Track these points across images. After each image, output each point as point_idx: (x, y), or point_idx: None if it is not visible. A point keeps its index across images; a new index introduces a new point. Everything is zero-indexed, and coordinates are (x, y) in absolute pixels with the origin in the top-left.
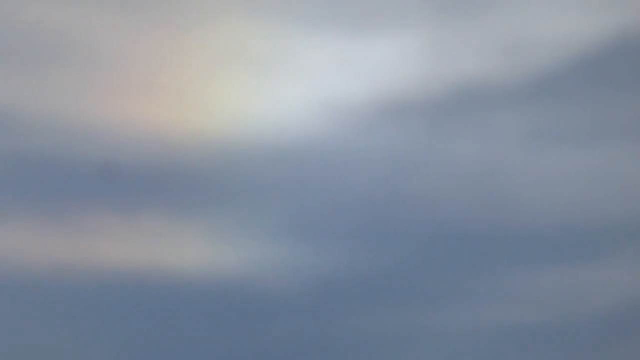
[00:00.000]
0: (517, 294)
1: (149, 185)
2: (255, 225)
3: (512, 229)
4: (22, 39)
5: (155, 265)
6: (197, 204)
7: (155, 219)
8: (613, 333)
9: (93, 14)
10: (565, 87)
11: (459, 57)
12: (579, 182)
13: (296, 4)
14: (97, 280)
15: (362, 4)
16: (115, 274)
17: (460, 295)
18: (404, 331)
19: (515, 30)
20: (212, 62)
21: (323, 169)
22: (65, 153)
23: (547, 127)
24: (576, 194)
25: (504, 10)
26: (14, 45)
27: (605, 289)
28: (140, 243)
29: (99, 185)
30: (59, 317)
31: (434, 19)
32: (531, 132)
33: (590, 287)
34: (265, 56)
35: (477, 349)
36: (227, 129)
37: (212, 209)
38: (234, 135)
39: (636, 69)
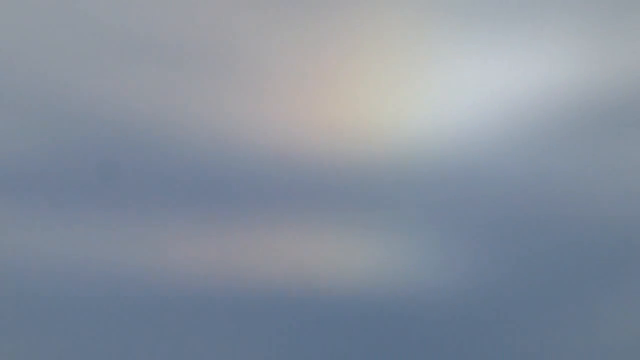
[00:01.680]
0: None
1: (315, 192)
2: (416, 241)
3: None
4: (194, 45)
5: (318, 274)
6: (362, 215)
7: (319, 227)
8: None
9: (262, 25)
10: None
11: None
12: None
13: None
14: (261, 289)
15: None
16: (281, 283)
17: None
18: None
19: None
20: (356, 54)
21: (497, 185)
22: (229, 161)
23: None
24: None
25: None
26: (187, 51)
27: None
28: (294, 254)
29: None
30: (220, 329)
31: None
32: None
33: None
34: (412, 48)
35: None
36: (375, 133)
37: (374, 219)
38: (404, 144)
39: None
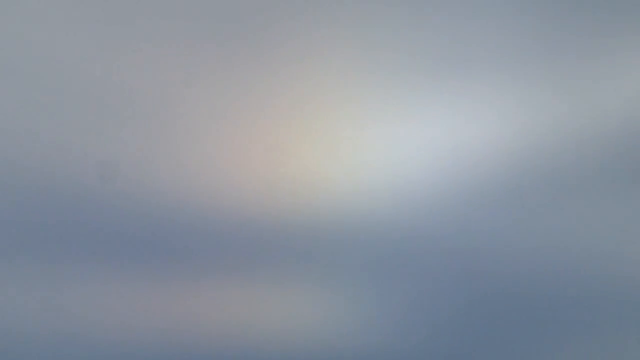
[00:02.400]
0: None
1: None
2: (365, 296)
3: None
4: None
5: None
6: (300, 268)
7: (257, 282)
8: None
9: (173, 70)
10: None
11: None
12: None
13: (391, 48)
14: (188, 349)
15: (468, 50)
16: (207, 341)
17: None
18: None
19: None
20: (304, 113)
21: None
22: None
23: None
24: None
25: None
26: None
27: None
28: (224, 308)
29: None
30: None
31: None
32: None
33: None
34: (359, 107)
35: None
36: (322, 190)
37: (316, 273)
38: (329, 195)
39: None
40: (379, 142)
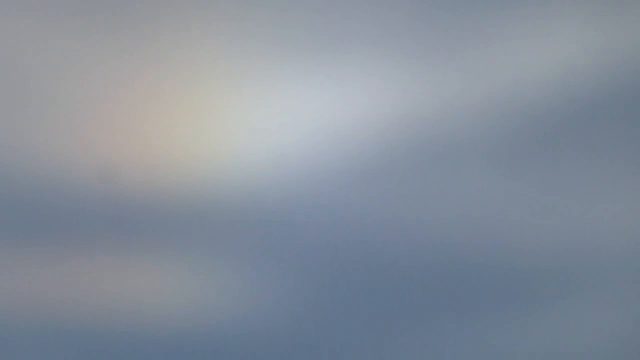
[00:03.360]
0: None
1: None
2: (244, 269)
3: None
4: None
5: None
6: (184, 245)
7: (142, 259)
8: None
9: (76, 51)
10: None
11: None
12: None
13: (276, 31)
14: (85, 322)
15: (343, 28)
16: (100, 316)
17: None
18: None
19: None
20: (188, 90)
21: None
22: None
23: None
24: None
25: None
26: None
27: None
28: (106, 284)
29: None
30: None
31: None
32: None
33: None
34: (249, 83)
35: None
36: (214, 165)
37: (195, 249)
38: (209, 173)
39: None
40: (253, 116)
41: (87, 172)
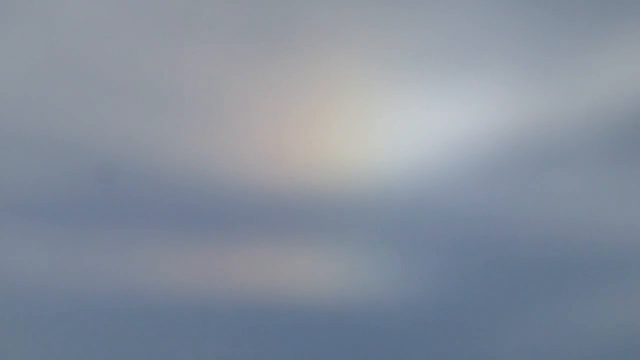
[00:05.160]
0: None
1: (271, 217)
2: (370, 257)
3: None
4: (185, 90)
5: (278, 289)
6: (320, 236)
7: (278, 248)
8: None
9: (249, 75)
10: None
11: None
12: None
13: (410, 52)
14: (226, 303)
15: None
16: (241, 297)
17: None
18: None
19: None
20: (327, 101)
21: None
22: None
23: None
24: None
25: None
26: (134, 89)
27: None
28: (268, 269)
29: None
30: (180, 339)
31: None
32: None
33: None
34: (389, 99)
35: None
36: (342, 170)
37: (331, 239)
38: (349, 175)
39: None
40: (392, 125)
41: (260, 175)
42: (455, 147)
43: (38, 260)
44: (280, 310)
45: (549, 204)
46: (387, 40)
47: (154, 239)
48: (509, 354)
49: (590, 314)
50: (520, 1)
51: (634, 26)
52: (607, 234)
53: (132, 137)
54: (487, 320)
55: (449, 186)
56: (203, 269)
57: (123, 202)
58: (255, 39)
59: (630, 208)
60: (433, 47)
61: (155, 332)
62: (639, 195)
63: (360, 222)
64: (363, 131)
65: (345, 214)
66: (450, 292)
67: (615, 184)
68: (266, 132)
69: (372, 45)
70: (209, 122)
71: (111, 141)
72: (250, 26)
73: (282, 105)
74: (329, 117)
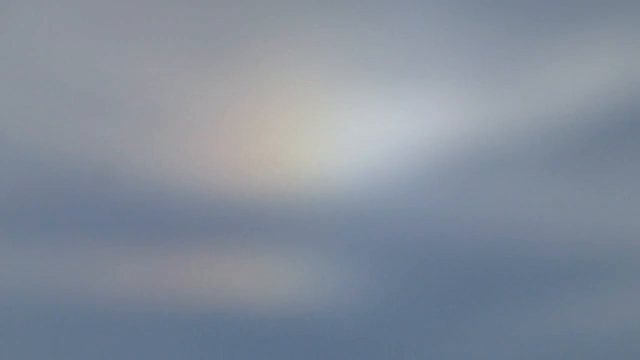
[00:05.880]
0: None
1: (225, 226)
2: (319, 262)
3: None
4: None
5: (233, 297)
6: (270, 243)
7: (232, 256)
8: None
9: (191, 82)
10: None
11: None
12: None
13: (353, 57)
14: (182, 309)
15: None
16: (194, 305)
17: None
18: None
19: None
20: (282, 110)
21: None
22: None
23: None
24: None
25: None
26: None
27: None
28: (220, 278)
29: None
30: (129, 344)
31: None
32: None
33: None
34: (328, 106)
35: None
36: (298, 176)
37: (283, 248)
38: (305, 181)
39: None
40: (344, 133)
41: (203, 187)
42: (404, 153)
43: None
44: (229, 317)
45: (493, 209)
46: (341, 52)
47: (106, 246)
48: (450, 354)
49: (531, 315)
50: (468, 11)
51: (578, 35)
52: (550, 237)
53: (90, 147)
54: (433, 322)
55: (397, 191)
56: (155, 275)
57: (77, 209)
58: (213, 53)
59: (572, 212)
60: (384, 58)
61: (106, 338)
62: (581, 199)
63: (310, 228)
64: (315, 139)
65: (297, 221)
66: (397, 295)
67: (557, 189)
68: (223, 141)
69: (326, 57)
70: (167, 132)
71: (72, 150)
72: (208, 40)
73: (238, 116)
74: (283, 126)
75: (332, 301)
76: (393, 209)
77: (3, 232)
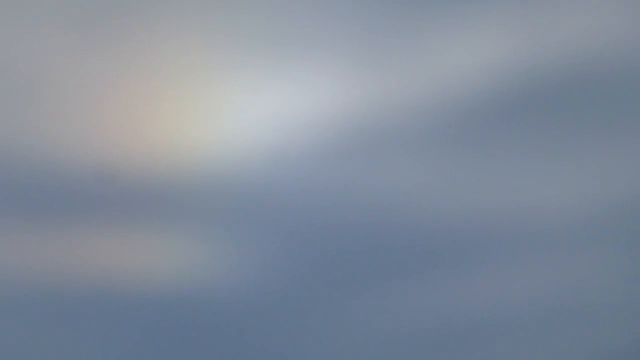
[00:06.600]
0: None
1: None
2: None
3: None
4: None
5: (131, 273)
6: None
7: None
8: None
9: (75, 52)
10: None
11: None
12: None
13: (250, 34)
14: (79, 288)
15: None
16: (92, 282)
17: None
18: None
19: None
20: (170, 86)
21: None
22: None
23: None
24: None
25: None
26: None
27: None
28: (104, 255)
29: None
30: (42, 325)
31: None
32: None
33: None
34: (226, 80)
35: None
36: (187, 151)
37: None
38: (193, 157)
39: None
40: (232, 109)
41: (86, 162)
42: (294, 131)
43: None
44: (111, 296)
45: (387, 189)
46: (231, 25)
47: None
48: (341, 336)
49: (415, 291)
50: None
51: (467, 10)
52: (447, 219)
53: None
54: (322, 303)
55: (286, 172)
56: (37, 252)
57: None
58: (99, 24)
59: (468, 193)
60: (273, 33)
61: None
62: (477, 180)
63: (200, 204)
64: (204, 114)
65: (186, 196)
66: (287, 276)
67: (452, 168)
68: (108, 116)
69: (211, 31)
70: (48, 106)
71: None
72: (87, 15)
73: (124, 90)
74: (171, 101)
75: (223, 279)
76: (281, 184)
77: None
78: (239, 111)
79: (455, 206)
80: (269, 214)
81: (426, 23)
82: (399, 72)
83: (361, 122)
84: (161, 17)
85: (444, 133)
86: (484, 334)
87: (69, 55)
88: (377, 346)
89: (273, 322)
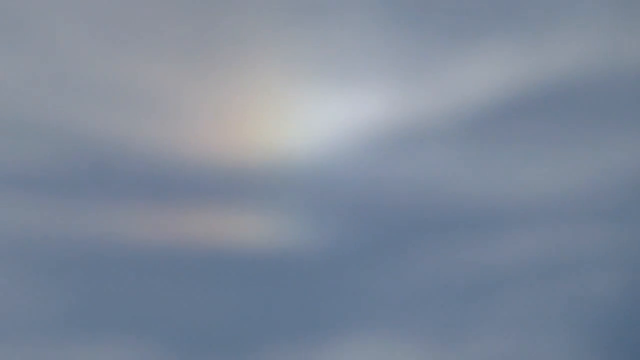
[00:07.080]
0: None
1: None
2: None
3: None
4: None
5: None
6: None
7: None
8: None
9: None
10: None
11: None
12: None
13: (311, 53)
14: (197, 251)
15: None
16: (191, 247)
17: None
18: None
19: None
20: (256, 97)
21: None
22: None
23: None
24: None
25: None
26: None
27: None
28: (209, 228)
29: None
30: (172, 278)
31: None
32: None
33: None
34: (291, 93)
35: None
36: (270, 149)
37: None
38: (275, 154)
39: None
40: (305, 115)
41: (203, 158)
42: (354, 131)
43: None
44: (218, 256)
45: (425, 175)
46: (304, 51)
47: (124, 204)
48: (397, 281)
49: (456, 255)
50: (402, 17)
51: (483, 41)
52: (471, 197)
53: (109, 126)
54: (381, 258)
55: (347, 163)
56: (162, 225)
57: (100, 176)
58: (201, 51)
59: (487, 177)
60: (340, 59)
61: (125, 273)
62: (494, 167)
63: (283, 189)
64: (282, 120)
65: (269, 184)
66: (352, 241)
67: (474, 159)
68: (208, 123)
69: (291, 57)
70: (165, 115)
71: (93, 130)
72: (193, 41)
73: (221, 102)
74: (257, 110)
75: (302, 243)
76: (345, 175)
77: (45, 194)
78: (313, 117)
79: (477, 187)
80: (337, 194)
81: (453, 49)
82: (432, 87)
83: (404, 125)
84: (251, 45)
85: (467, 133)
86: (503, 281)
87: (188, 78)
88: (424, 287)
89: (343, 273)
